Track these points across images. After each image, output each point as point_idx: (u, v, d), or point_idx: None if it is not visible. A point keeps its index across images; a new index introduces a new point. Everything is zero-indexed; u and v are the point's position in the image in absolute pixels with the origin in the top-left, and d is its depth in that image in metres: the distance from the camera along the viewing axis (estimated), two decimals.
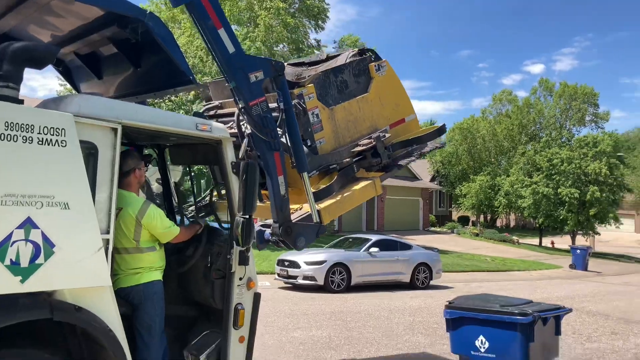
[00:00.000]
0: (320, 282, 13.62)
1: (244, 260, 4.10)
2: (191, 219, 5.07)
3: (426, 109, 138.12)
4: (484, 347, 4.60)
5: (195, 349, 4.19)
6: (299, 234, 4.57)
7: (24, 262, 3.05)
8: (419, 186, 40.26)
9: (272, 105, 4.44)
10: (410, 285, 15.05)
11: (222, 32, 4.08)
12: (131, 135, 4.20)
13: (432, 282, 15.56)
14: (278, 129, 4.44)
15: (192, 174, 5.71)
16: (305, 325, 9.35)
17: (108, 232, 3.52)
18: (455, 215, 50.13)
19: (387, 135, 5.66)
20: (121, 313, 3.57)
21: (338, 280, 13.86)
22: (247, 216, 3.90)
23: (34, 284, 3.11)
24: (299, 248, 4.60)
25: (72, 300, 3.35)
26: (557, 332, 4.75)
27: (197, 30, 4.09)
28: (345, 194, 5.16)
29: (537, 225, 37.58)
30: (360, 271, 14.27)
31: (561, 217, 33.45)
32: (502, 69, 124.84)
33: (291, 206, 4.69)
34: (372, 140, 5.43)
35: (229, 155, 4.20)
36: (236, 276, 4.11)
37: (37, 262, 3.10)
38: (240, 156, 4.16)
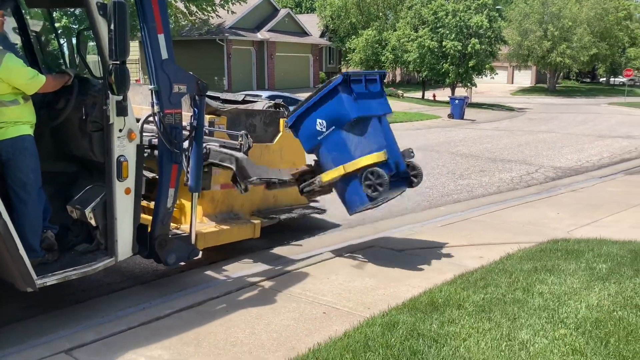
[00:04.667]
0: None
1: (122, 111, 3.89)
2: (58, 70, 4.66)
3: None
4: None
5: (80, 203, 4.06)
6: (172, 250, 4.48)
7: None
8: (308, 42, 39.66)
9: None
10: None
11: (161, 38, 4.14)
12: None
13: None
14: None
15: (55, 24, 5.16)
16: None
17: None
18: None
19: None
20: None
21: None
22: (120, 62, 3.65)
23: None
24: (167, 264, 4.52)
25: None
26: None
27: (138, 24, 4.01)
28: (224, 227, 5.36)
29: (421, 79, 39.03)
30: None
31: (443, 70, 34.90)
32: None
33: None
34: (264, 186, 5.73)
35: None
36: (115, 127, 3.92)
37: None
38: None
